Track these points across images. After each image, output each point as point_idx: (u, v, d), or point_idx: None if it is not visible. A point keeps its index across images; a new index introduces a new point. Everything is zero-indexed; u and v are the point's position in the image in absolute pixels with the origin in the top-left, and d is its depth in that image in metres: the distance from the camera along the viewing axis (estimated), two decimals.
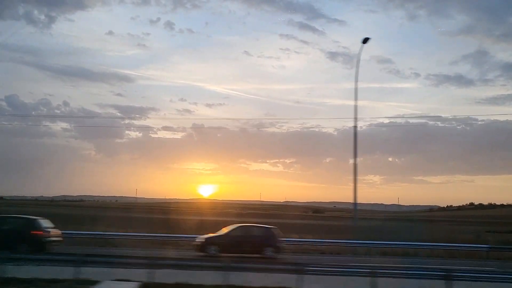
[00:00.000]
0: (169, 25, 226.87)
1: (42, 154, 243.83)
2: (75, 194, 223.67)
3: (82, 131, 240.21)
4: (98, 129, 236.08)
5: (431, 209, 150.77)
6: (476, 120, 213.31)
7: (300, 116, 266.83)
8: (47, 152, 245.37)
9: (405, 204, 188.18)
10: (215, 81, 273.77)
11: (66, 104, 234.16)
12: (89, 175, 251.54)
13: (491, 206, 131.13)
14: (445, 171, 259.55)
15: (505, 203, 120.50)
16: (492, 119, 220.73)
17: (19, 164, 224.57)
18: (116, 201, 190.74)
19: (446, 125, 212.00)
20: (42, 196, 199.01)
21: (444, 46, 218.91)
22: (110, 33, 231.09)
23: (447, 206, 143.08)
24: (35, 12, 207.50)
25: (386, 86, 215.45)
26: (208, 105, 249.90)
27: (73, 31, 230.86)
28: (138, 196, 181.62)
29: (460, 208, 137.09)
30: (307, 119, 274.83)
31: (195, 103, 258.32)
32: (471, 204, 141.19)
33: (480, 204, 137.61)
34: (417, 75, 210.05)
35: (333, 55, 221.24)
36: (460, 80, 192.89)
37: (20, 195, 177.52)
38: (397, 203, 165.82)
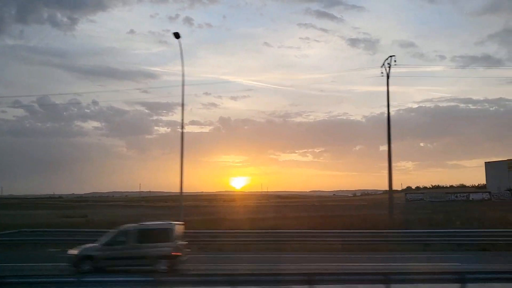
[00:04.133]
0: (188, 20, 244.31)
1: (74, 153, 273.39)
2: (105, 191, 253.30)
3: (112, 129, 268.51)
4: (128, 126, 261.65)
5: (354, 194, 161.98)
6: (510, 100, 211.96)
7: (326, 104, 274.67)
8: (80, 150, 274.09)
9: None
10: (238, 74, 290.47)
11: (95, 103, 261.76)
12: (119, 171, 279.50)
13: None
14: (480, 154, 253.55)
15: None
16: None
17: (51, 164, 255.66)
18: (126, 196, 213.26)
19: (478, 107, 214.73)
20: (73, 193, 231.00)
21: (468, 26, 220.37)
22: (132, 32, 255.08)
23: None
24: (58, 15, 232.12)
25: (412, 71, 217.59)
26: (233, 98, 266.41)
27: (96, 31, 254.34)
28: (142, 190, 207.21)
29: (366, 193, 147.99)
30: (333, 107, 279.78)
31: (220, 97, 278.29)
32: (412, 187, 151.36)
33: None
34: (442, 57, 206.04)
35: (354, 42, 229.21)
36: (488, 61, 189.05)
37: (51, 193, 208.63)
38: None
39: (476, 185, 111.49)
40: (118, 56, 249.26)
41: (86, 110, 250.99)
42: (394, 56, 30.19)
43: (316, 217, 35.07)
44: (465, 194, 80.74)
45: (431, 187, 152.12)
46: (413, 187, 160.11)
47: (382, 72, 30.83)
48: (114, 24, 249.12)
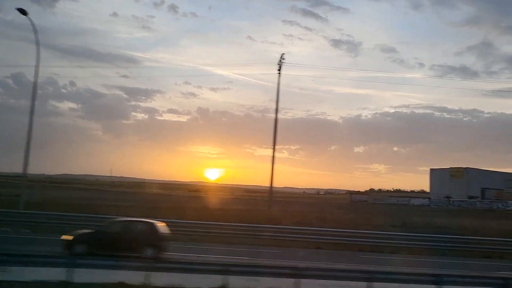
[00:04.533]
0: (173, 8, 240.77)
1: (48, 132, 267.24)
2: (77, 173, 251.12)
3: (89, 111, 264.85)
4: (105, 110, 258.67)
5: (318, 192, 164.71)
6: (482, 112, 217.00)
7: (305, 102, 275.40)
8: (53, 131, 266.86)
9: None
10: (219, 65, 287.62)
11: (72, 84, 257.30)
12: (93, 154, 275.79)
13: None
14: (451, 163, 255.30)
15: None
16: (498, 112, 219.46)
17: (22, 142, 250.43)
18: (97, 179, 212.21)
19: (452, 117, 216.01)
20: (43, 174, 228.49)
21: (449, 36, 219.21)
22: (115, 14, 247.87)
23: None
24: None
25: (392, 76, 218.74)
26: (213, 89, 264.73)
27: (78, 11, 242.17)
28: (113, 175, 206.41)
29: (329, 192, 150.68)
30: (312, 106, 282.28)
31: (200, 87, 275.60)
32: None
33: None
34: (421, 65, 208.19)
35: (336, 43, 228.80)
36: (465, 72, 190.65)
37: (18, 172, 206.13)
38: None
39: None
40: (99, 38, 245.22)
41: (62, 90, 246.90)
42: (284, 53, 30.90)
43: (215, 209, 35.45)
44: (406, 199, 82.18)
45: (392, 190, 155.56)
46: (376, 189, 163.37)
47: (278, 70, 31.30)
48: (97, 5, 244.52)
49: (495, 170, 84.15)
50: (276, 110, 30.56)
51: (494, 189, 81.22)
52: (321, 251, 20.73)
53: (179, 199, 53.64)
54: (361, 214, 38.50)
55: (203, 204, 41.57)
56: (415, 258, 19.90)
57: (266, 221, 26.31)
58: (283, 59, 30.77)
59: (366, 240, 22.36)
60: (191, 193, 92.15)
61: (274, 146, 30.04)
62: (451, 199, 76.31)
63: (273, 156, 29.96)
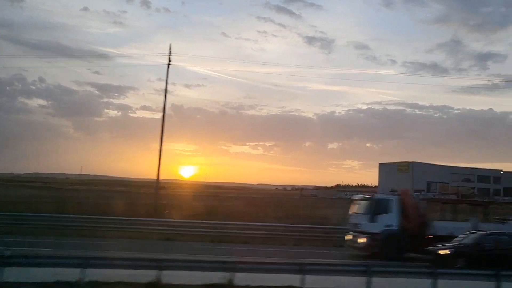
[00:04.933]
0: (146, 3, 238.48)
1: (16, 130, 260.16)
2: (47, 172, 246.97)
3: (59, 108, 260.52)
4: (76, 106, 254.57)
5: (284, 188, 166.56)
6: (452, 108, 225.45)
7: (279, 99, 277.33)
8: (22, 128, 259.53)
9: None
10: (193, 62, 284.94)
11: (42, 80, 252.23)
12: (64, 152, 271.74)
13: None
14: (423, 158, 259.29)
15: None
16: (467, 108, 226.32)
17: None
18: (67, 178, 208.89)
19: (423, 113, 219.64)
20: (11, 173, 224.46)
21: (420, 34, 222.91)
22: (85, 9, 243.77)
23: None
24: None
25: (365, 73, 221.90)
26: (187, 86, 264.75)
27: (46, 5, 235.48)
28: (83, 173, 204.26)
29: (296, 188, 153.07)
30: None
31: (174, 83, 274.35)
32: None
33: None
34: (393, 62, 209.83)
35: (310, 40, 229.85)
36: (436, 69, 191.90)
37: None
38: None
39: None
40: (69, 33, 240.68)
41: (31, 87, 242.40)
42: (170, 43, 31.36)
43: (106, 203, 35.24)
44: (353, 193, 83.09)
45: (357, 185, 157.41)
46: (342, 185, 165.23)
47: (168, 61, 31.60)
48: None
49: (442, 164, 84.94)
50: (164, 103, 30.67)
51: (439, 182, 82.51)
52: (168, 242, 20.79)
53: (99, 195, 53.04)
54: (266, 207, 38.69)
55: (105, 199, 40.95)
56: (237, 246, 20.28)
57: (140, 214, 26.37)
58: (170, 49, 31.02)
59: (220, 231, 22.56)
60: (134, 189, 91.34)
61: (161, 140, 30.02)
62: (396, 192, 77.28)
63: (160, 150, 29.96)
